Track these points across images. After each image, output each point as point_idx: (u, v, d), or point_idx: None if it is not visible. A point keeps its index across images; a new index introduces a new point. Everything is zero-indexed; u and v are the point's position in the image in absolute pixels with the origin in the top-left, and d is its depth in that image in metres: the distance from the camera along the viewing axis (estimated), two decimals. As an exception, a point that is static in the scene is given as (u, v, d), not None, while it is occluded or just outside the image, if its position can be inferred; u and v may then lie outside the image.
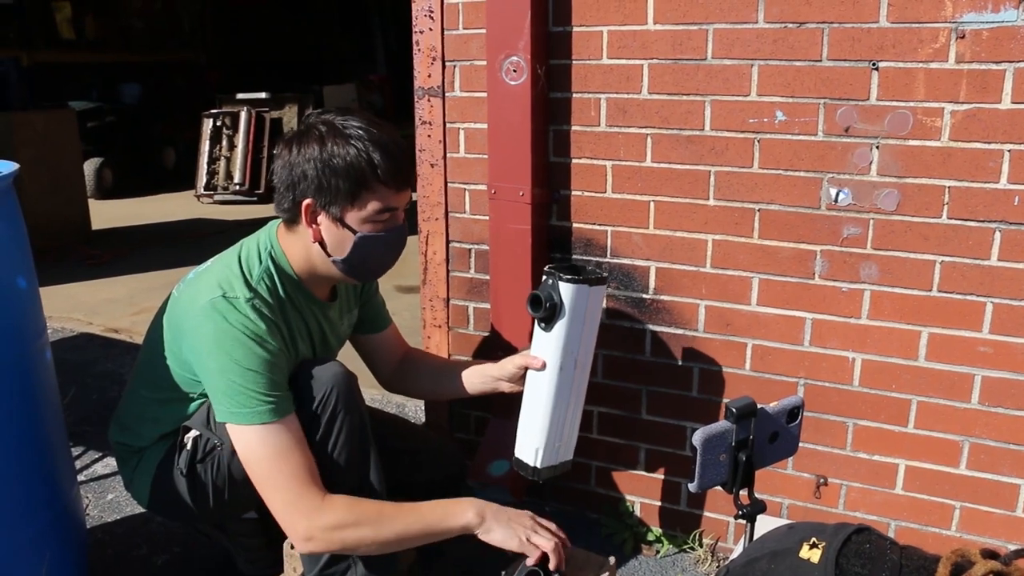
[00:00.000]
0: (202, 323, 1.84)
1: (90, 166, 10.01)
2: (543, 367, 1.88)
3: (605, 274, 2.02)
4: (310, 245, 1.95)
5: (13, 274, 1.97)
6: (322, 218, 1.91)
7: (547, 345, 1.90)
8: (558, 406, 1.94)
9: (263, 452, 1.81)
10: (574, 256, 2.49)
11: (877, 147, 2.09)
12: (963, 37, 1.94)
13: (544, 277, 1.90)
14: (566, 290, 1.85)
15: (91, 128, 10.72)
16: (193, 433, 2.01)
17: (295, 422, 1.84)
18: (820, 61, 2.09)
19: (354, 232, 1.90)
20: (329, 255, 1.94)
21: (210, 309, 1.83)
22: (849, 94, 2.08)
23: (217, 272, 1.93)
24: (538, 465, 1.98)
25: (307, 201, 1.90)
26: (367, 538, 1.80)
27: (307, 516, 1.79)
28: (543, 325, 1.89)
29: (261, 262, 1.96)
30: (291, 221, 1.96)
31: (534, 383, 1.97)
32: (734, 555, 1.78)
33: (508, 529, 1.83)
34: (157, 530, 2.68)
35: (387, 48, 16.64)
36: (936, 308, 2.11)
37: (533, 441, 1.96)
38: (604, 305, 2.00)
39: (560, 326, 1.87)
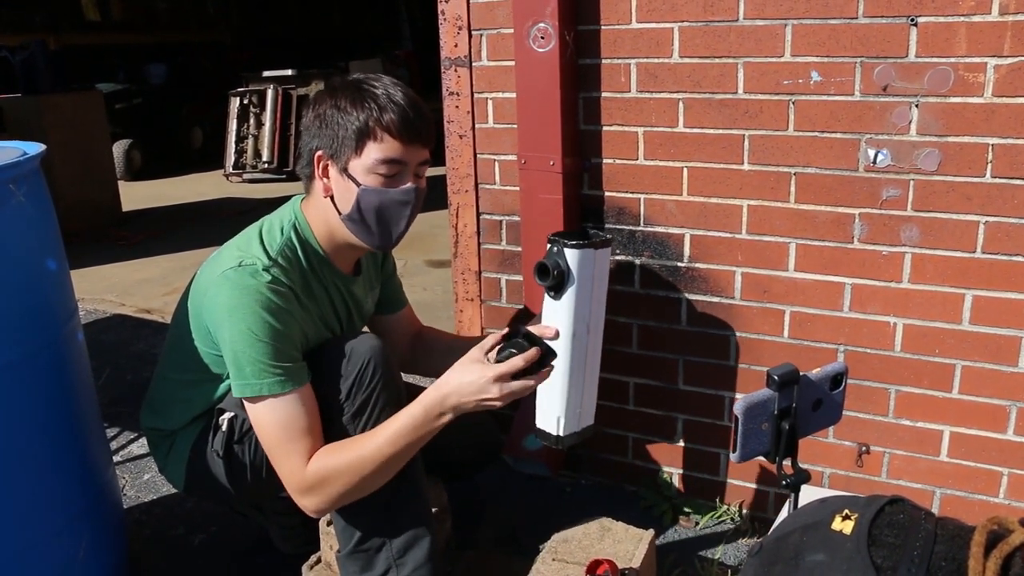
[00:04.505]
0: (218, 293, 1.83)
1: (119, 148, 10.08)
2: (556, 336, 1.86)
3: (609, 236, 1.99)
4: (327, 206, 1.94)
5: (43, 256, 1.96)
6: (331, 170, 1.91)
7: (558, 313, 1.88)
8: (575, 373, 1.93)
9: (269, 423, 1.82)
10: (607, 225, 2.45)
11: (917, 106, 2.03)
12: (1007, -12, 1.88)
13: (548, 245, 1.87)
14: (572, 256, 1.83)
15: (119, 110, 10.81)
16: (228, 415, 2.01)
17: (307, 393, 1.84)
18: (856, 18, 2.04)
19: (358, 184, 1.87)
20: (339, 213, 1.92)
21: (224, 279, 1.83)
22: (887, 52, 2.03)
23: (236, 244, 1.94)
24: (561, 433, 1.97)
25: (318, 152, 1.90)
26: (354, 482, 1.80)
27: (299, 485, 1.82)
28: (552, 294, 1.88)
29: (283, 233, 1.95)
30: (309, 178, 1.96)
31: None
32: (775, 526, 1.75)
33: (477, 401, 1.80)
34: (194, 509, 2.69)
35: (412, 24, 16.61)
36: (981, 270, 2.06)
37: (554, 410, 1.94)
38: (611, 267, 1.97)
39: (569, 293, 1.85)
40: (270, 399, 1.80)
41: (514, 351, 1.80)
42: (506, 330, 1.87)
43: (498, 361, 1.78)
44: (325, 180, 1.92)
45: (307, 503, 1.84)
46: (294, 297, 1.88)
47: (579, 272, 1.83)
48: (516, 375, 1.78)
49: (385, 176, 1.87)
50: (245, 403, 1.85)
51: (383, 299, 2.33)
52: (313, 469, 1.79)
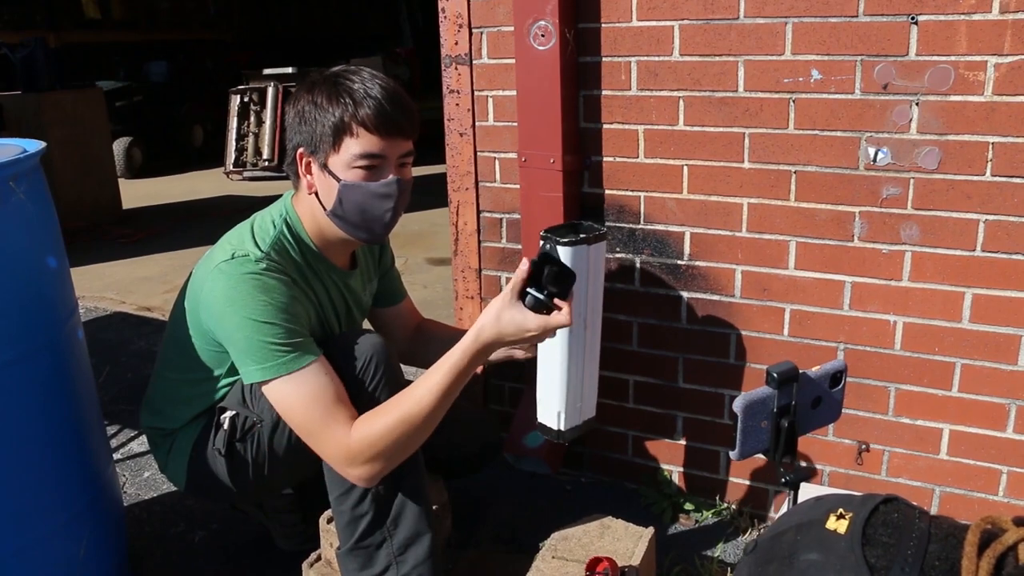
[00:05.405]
0: (214, 286, 1.83)
1: (119, 146, 10.07)
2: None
3: (603, 229, 1.98)
4: (313, 202, 1.94)
5: (43, 254, 1.96)
6: (313, 167, 1.91)
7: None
8: (573, 368, 1.92)
9: (297, 400, 1.78)
10: (607, 223, 2.45)
11: (917, 104, 2.03)
12: (1007, -14, 1.88)
13: (541, 243, 1.87)
14: (565, 253, 1.82)
15: (119, 108, 10.79)
16: (230, 413, 2.00)
17: (325, 362, 1.82)
18: (856, 16, 2.04)
19: (338, 180, 1.87)
20: (324, 208, 1.92)
21: (218, 272, 1.83)
22: (887, 50, 2.03)
23: (228, 240, 1.94)
24: (562, 428, 1.97)
25: (300, 149, 1.90)
26: (401, 441, 1.76)
27: (346, 455, 1.77)
28: None
29: (275, 227, 1.95)
30: (295, 175, 1.96)
31: (546, 348, 1.96)
32: (772, 523, 1.75)
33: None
34: (194, 507, 2.69)
35: (413, 22, 16.61)
36: (980, 268, 2.06)
37: (554, 405, 1.95)
38: (606, 260, 1.95)
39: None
40: (290, 376, 1.78)
41: (544, 300, 1.73)
42: (527, 265, 1.75)
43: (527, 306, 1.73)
44: (308, 177, 1.92)
45: (359, 472, 1.78)
46: (291, 281, 1.88)
47: (573, 269, 1.83)
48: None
49: (365, 170, 1.87)
50: (266, 391, 1.82)
51: (382, 292, 2.33)
52: (358, 437, 1.75)
